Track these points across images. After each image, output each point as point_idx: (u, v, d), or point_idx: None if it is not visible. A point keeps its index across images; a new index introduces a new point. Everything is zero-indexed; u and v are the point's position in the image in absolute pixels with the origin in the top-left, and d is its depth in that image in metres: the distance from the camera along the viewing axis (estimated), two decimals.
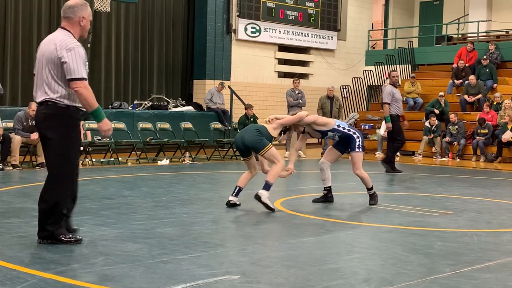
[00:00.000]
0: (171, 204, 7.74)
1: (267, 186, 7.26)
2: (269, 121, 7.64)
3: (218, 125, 16.82)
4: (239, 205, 7.54)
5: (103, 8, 16.15)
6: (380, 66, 21.51)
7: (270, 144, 7.42)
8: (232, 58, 19.57)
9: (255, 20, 19.90)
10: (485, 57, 18.95)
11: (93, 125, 12.36)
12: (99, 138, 13.33)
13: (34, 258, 4.83)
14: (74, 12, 5.26)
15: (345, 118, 19.82)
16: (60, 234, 5.21)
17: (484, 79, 18.50)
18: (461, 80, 19.02)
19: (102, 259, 4.81)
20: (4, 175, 10.71)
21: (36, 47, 17.44)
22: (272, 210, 7.21)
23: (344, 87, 21.43)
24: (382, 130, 17.48)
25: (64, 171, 5.23)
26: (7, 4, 15.80)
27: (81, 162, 11.90)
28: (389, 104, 12.33)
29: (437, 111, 17.28)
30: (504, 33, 21.34)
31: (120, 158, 13.45)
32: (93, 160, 12.93)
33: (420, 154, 16.90)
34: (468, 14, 23.06)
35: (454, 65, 19.42)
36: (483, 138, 16.10)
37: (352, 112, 21.04)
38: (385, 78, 20.40)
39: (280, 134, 7.76)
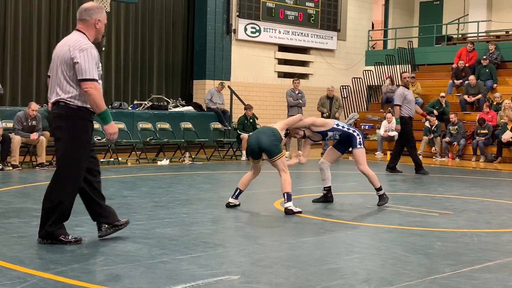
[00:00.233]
0: (171, 204, 7.74)
1: (289, 197, 7.18)
2: None
3: (218, 125, 16.81)
4: (239, 205, 7.55)
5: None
6: (380, 66, 21.49)
7: (284, 151, 7.39)
8: (232, 58, 19.57)
9: (255, 20, 19.90)
10: (485, 57, 18.95)
11: (94, 125, 12.32)
12: (99, 138, 13.33)
13: (34, 258, 4.83)
14: (90, 15, 5.30)
15: (345, 119, 19.81)
16: (60, 234, 5.22)
17: (484, 79, 18.50)
18: (461, 80, 19.02)
19: (102, 259, 4.82)
20: (4, 175, 10.71)
21: (36, 47, 17.50)
22: (299, 212, 7.18)
23: (344, 87, 21.42)
24: (382, 130, 17.50)
25: (72, 171, 5.25)
26: (7, 4, 15.80)
27: None
28: (400, 106, 12.26)
29: (436, 112, 17.28)
30: (504, 33, 21.33)
31: (120, 158, 13.45)
32: None
33: (420, 154, 16.86)
34: (468, 14, 23.05)
35: (454, 65, 19.42)
36: (483, 138, 16.09)
37: (352, 112, 21.03)
38: (385, 78, 20.40)
39: (285, 136, 7.78)
